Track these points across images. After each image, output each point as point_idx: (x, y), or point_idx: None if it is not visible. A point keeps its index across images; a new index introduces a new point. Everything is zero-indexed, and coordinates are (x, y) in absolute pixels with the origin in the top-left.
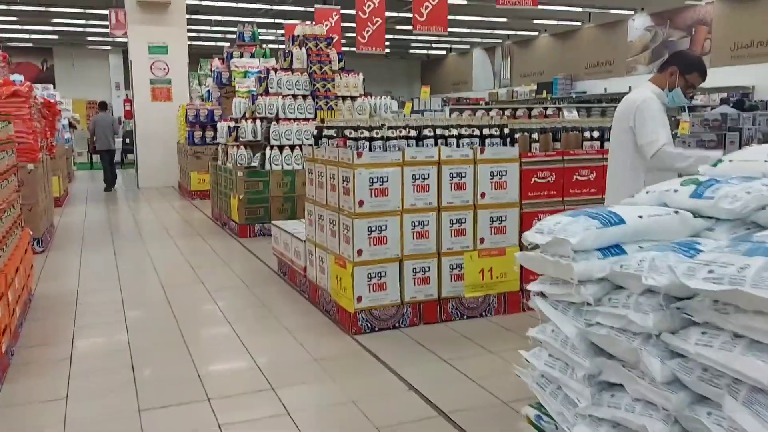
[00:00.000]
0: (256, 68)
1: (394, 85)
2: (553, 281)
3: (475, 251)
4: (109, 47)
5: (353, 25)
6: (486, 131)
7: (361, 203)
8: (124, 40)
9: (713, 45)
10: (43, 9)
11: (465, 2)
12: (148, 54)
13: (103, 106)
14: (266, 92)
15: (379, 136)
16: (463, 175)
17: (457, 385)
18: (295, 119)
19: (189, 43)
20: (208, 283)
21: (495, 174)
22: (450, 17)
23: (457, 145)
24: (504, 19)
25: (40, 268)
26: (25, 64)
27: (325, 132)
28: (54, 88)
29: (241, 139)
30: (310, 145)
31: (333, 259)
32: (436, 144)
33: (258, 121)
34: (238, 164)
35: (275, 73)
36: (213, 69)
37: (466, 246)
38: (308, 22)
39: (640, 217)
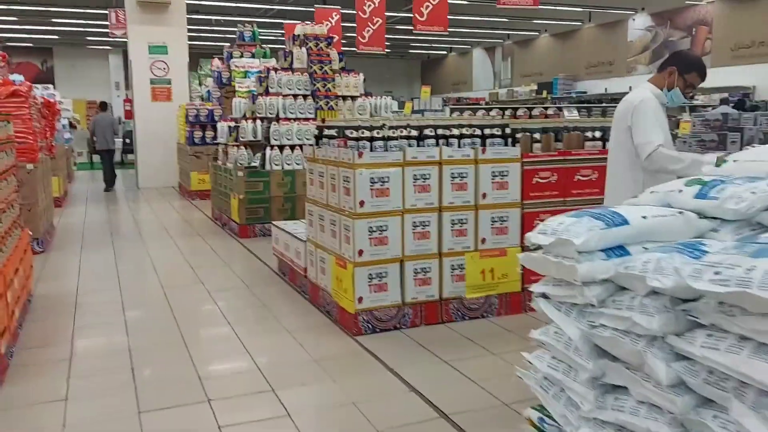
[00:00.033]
0: (256, 68)
1: (394, 85)
2: (556, 282)
3: (477, 252)
4: (109, 47)
5: (353, 25)
6: (487, 131)
7: (361, 203)
8: (124, 40)
9: (714, 45)
10: (43, 9)
11: (465, 2)
12: (148, 54)
13: (103, 106)
14: (266, 92)
15: (380, 136)
16: (465, 175)
17: (458, 386)
18: (296, 119)
19: (189, 43)
20: (208, 283)
21: (496, 174)
22: (450, 17)
23: (459, 145)
24: (504, 19)
25: (39, 268)
26: (25, 64)
27: (326, 132)
28: (54, 88)
29: (241, 139)
30: (311, 145)
31: (333, 260)
32: (437, 144)
33: (258, 121)
34: (239, 164)
35: (275, 72)
36: (213, 69)
37: (468, 246)
38: (308, 22)
39: (644, 217)
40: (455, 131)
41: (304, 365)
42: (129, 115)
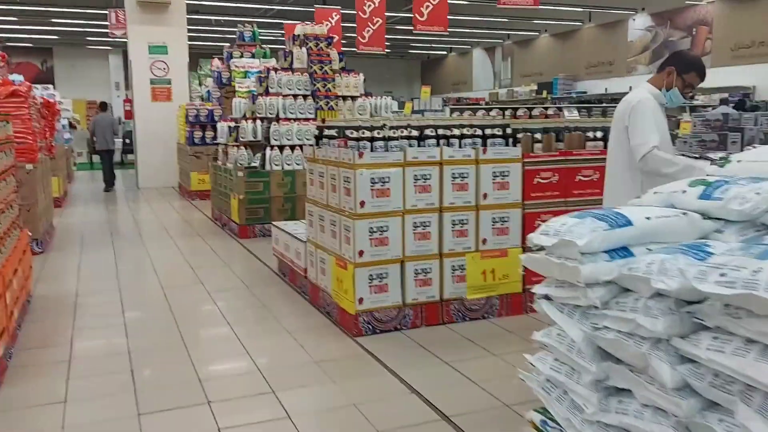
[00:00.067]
0: (256, 68)
1: (394, 85)
2: (558, 284)
3: (477, 252)
4: (109, 47)
5: (353, 25)
6: (488, 131)
7: (362, 204)
8: (124, 40)
9: (714, 45)
10: (42, 9)
11: (465, 2)
12: (148, 54)
13: (103, 106)
14: (266, 92)
15: (380, 136)
16: (465, 175)
17: (460, 388)
18: (296, 119)
19: (189, 43)
20: (208, 284)
21: (497, 174)
22: (450, 17)
23: (459, 146)
24: (504, 19)
25: (39, 269)
26: (24, 64)
27: (326, 132)
28: (54, 88)
29: (241, 140)
30: (311, 145)
31: (334, 261)
32: (438, 144)
33: (258, 121)
34: (239, 164)
35: (275, 72)
36: (213, 69)
37: (468, 247)
38: (308, 23)
39: (648, 218)
40: (456, 131)
41: (305, 366)
42: (129, 115)
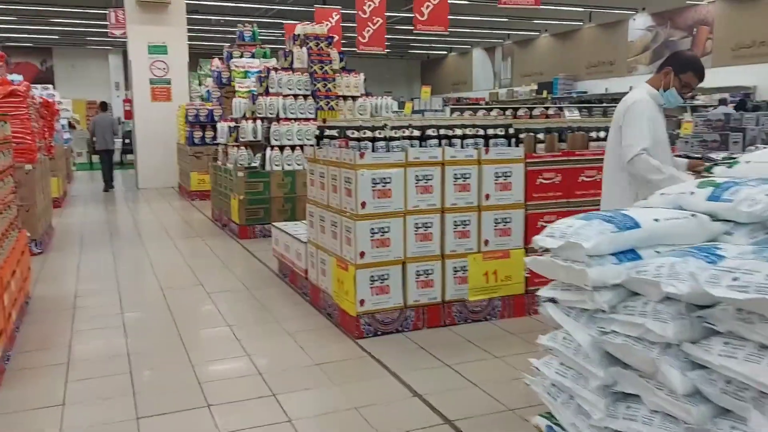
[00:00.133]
0: (256, 68)
1: (394, 85)
2: (564, 287)
3: (480, 253)
4: (109, 47)
5: (353, 25)
6: (490, 131)
7: (363, 205)
8: (124, 40)
9: (714, 45)
10: (42, 9)
11: (465, 2)
12: (148, 54)
13: (103, 106)
14: (267, 92)
15: (381, 136)
16: (467, 176)
17: (462, 391)
18: (296, 119)
19: (189, 43)
20: (207, 285)
21: (500, 175)
22: (450, 17)
23: (461, 146)
24: (504, 19)
25: (38, 269)
26: (24, 64)
27: (327, 132)
28: (53, 88)
29: (241, 140)
30: (311, 146)
31: (335, 262)
32: (439, 144)
33: (258, 121)
34: (239, 165)
35: (276, 72)
36: (213, 69)
37: (470, 248)
38: (308, 22)
39: (656, 220)
40: (458, 131)
41: (305, 369)
42: (129, 115)
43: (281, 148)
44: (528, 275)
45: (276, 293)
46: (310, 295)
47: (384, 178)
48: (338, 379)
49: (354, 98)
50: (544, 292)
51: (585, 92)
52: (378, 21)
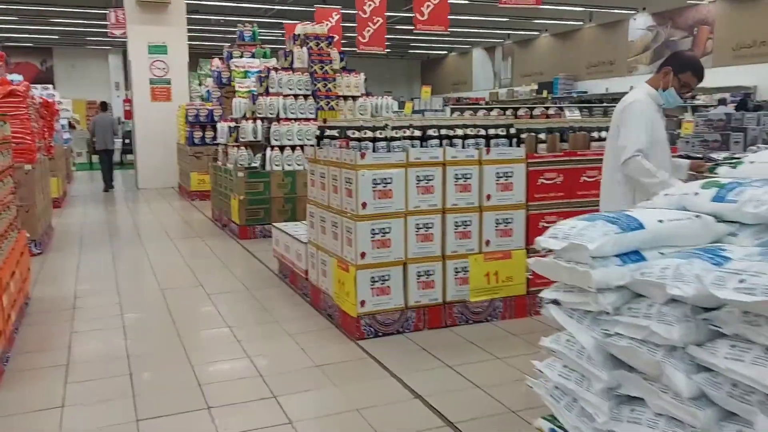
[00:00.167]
0: (256, 68)
1: (394, 85)
2: (567, 288)
3: (481, 254)
4: (108, 47)
5: (353, 25)
6: (491, 131)
7: (364, 205)
8: (124, 39)
9: (715, 45)
10: (42, 9)
11: (466, 2)
12: (148, 54)
13: (103, 106)
14: (267, 92)
15: (382, 136)
16: (469, 176)
17: (464, 392)
18: (296, 119)
19: (189, 43)
20: (207, 286)
21: (501, 175)
22: (450, 17)
23: (462, 146)
24: (504, 19)
25: (37, 270)
26: (24, 64)
27: (328, 132)
28: (53, 88)
29: (241, 140)
30: (312, 146)
31: (335, 263)
32: (440, 145)
33: (258, 122)
34: (239, 165)
35: (276, 72)
36: (213, 69)
37: (472, 249)
38: (308, 22)
39: (660, 221)
40: (459, 131)
41: (306, 371)
42: (128, 115)
43: (281, 148)
44: (530, 276)
45: (276, 294)
46: (310, 295)
47: (385, 179)
48: (339, 380)
49: (354, 98)
50: (546, 293)
51: (585, 92)
52: (378, 21)
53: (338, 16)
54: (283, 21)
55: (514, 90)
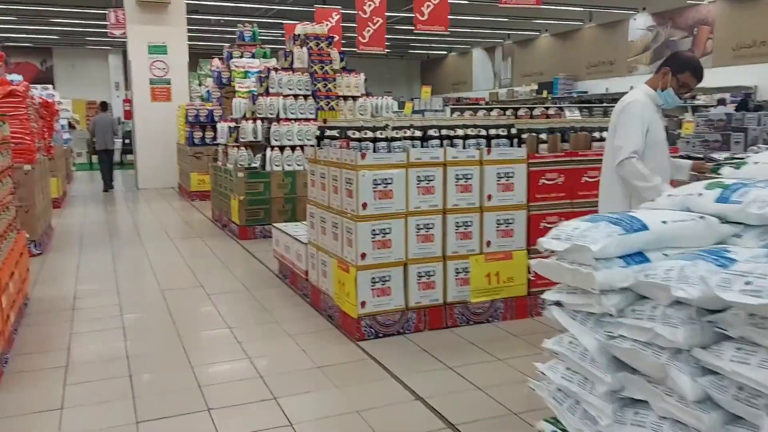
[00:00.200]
0: (256, 68)
1: (394, 85)
2: (570, 290)
3: (482, 255)
4: (108, 47)
5: (353, 25)
6: (492, 132)
7: (364, 206)
8: (124, 39)
9: (715, 45)
10: (42, 9)
11: (466, 2)
12: (148, 54)
13: (103, 106)
14: (267, 92)
15: (383, 136)
16: (469, 176)
17: (465, 394)
18: (296, 119)
19: (189, 43)
20: (207, 286)
21: (502, 175)
22: (450, 17)
23: (463, 146)
24: (504, 19)
25: (37, 271)
26: (24, 64)
27: (328, 132)
28: (53, 88)
29: (241, 140)
30: (312, 146)
31: (336, 263)
32: (441, 145)
33: (258, 122)
34: (239, 165)
35: (276, 72)
36: (213, 69)
37: (472, 249)
38: (308, 22)
39: (664, 222)
40: (459, 132)
41: (307, 372)
42: (128, 115)
43: (281, 148)
44: (533, 278)
45: (276, 294)
46: (310, 296)
47: (385, 179)
48: (339, 381)
49: (354, 98)
50: (549, 295)
51: (585, 92)
52: (378, 21)
53: (338, 16)
54: (283, 21)
55: (514, 90)
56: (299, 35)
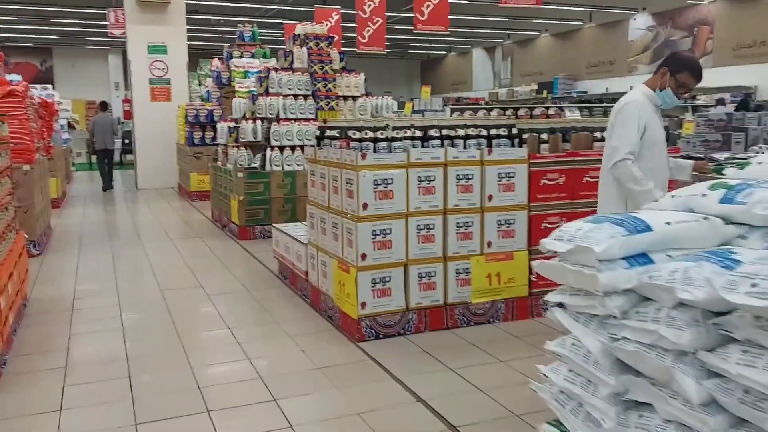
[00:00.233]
0: (256, 68)
1: (394, 85)
2: (573, 291)
3: (482, 255)
4: (108, 47)
5: (353, 25)
6: (493, 132)
7: (365, 206)
8: (123, 39)
9: (715, 45)
10: (42, 9)
11: (466, 1)
12: (147, 54)
13: (103, 105)
14: (267, 92)
15: (383, 136)
16: (470, 176)
17: (466, 396)
18: (296, 119)
19: (188, 43)
20: (207, 287)
21: (503, 176)
22: (450, 17)
23: (464, 146)
24: (504, 19)
25: (36, 271)
26: (24, 64)
27: (328, 132)
28: (53, 88)
29: (241, 140)
30: (312, 146)
31: (336, 264)
32: (442, 145)
33: (258, 122)
34: (238, 165)
35: (276, 72)
36: (213, 69)
37: (473, 250)
38: (308, 22)
39: (668, 223)
40: (460, 132)
41: (307, 373)
42: (128, 115)
43: (281, 148)
44: (535, 279)
45: (276, 295)
46: (310, 297)
47: (386, 179)
48: (339, 383)
49: (354, 98)
50: (552, 296)
51: (585, 92)
52: (378, 21)
53: (338, 16)
54: (283, 21)
55: (513, 90)
56: (299, 35)
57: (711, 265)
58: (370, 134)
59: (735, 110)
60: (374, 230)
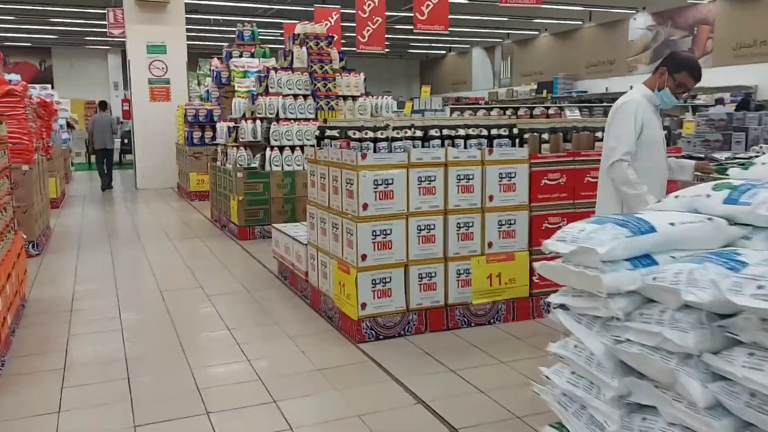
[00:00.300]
0: (255, 68)
1: (394, 85)
2: (576, 293)
3: (483, 256)
4: (107, 47)
5: (353, 24)
6: (494, 131)
7: (365, 206)
8: (123, 39)
9: (715, 44)
10: (41, 8)
11: (465, 1)
12: (147, 53)
13: (103, 105)
14: (266, 92)
15: (383, 136)
16: (471, 176)
17: (467, 397)
18: (296, 119)
19: (188, 42)
20: (207, 287)
21: (503, 176)
22: (450, 16)
23: (465, 146)
24: (504, 19)
25: (35, 271)
26: (23, 63)
27: (328, 132)
28: (52, 87)
29: (240, 140)
30: (311, 146)
31: (336, 264)
32: (442, 145)
33: (258, 122)
34: (238, 165)
35: (275, 72)
36: (212, 69)
37: (474, 250)
38: (308, 22)
39: (672, 224)
40: (461, 132)
41: (306, 374)
42: (127, 115)
43: (281, 148)
44: (537, 280)
45: (276, 295)
46: (310, 297)
47: (386, 180)
48: (340, 384)
49: (354, 98)
50: (554, 298)
51: (585, 92)
52: (378, 20)
53: (338, 15)
54: (283, 21)
55: (513, 89)
56: (299, 35)
57: (716, 267)
58: (370, 134)
59: (735, 110)
60: (374, 231)
